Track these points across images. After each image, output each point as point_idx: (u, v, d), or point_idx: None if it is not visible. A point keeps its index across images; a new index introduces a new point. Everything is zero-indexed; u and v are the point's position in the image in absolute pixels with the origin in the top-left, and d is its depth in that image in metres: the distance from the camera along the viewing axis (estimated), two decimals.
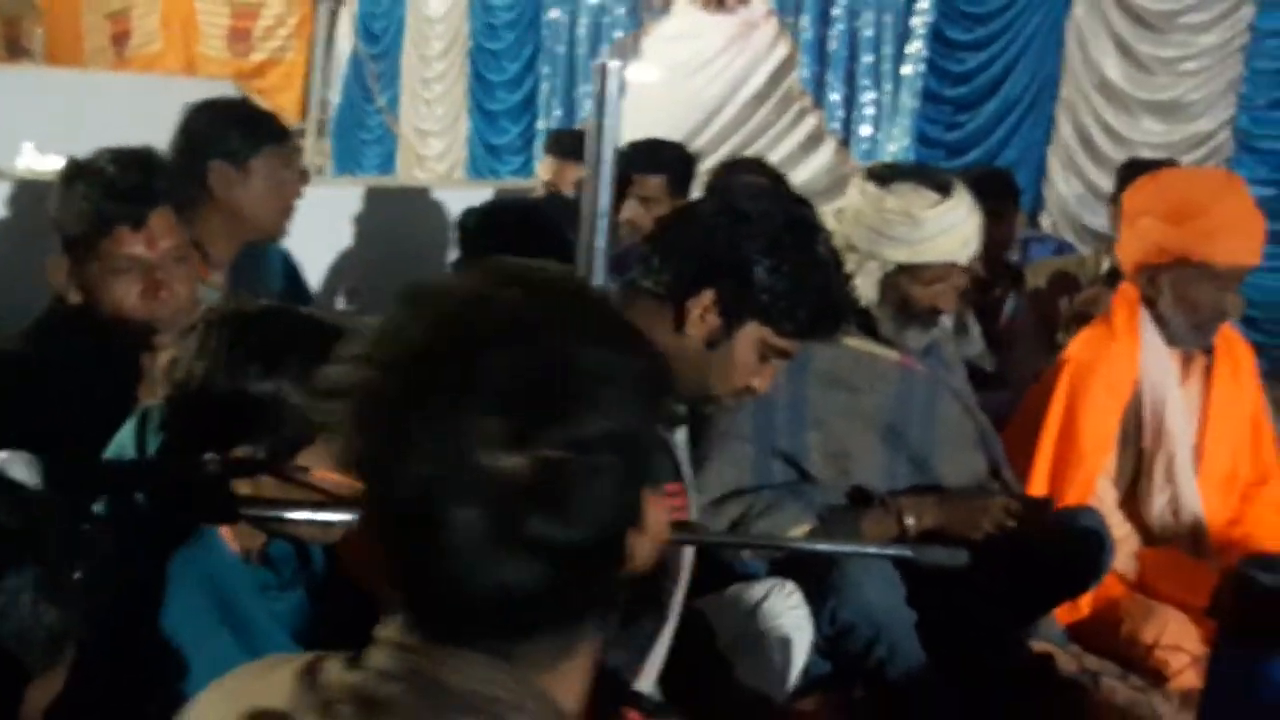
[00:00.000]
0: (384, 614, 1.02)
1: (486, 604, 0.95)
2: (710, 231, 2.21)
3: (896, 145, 6.64)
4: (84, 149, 2.44)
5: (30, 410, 2.11)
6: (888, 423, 3.04)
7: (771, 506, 2.84)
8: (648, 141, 4.76)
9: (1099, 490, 3.51)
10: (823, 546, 2.66)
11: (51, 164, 4.51)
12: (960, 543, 2.41)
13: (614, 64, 1.52)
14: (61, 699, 1.10)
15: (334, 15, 10.46)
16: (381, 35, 10.03)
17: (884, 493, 2.92)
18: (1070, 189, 6.09)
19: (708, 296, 2.19)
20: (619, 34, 8.17)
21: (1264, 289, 4.52)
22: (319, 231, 4.11)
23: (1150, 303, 3.54)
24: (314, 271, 4.11)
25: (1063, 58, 6.15)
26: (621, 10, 8.15)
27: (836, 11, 6.98)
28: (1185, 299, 3.47)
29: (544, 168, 4.38)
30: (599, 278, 1.61)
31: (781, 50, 7.31)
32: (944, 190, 3.00)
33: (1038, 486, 3.45)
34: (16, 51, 11.85)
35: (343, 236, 4.68)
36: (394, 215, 4.82)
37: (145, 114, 3.44)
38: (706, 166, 5.35)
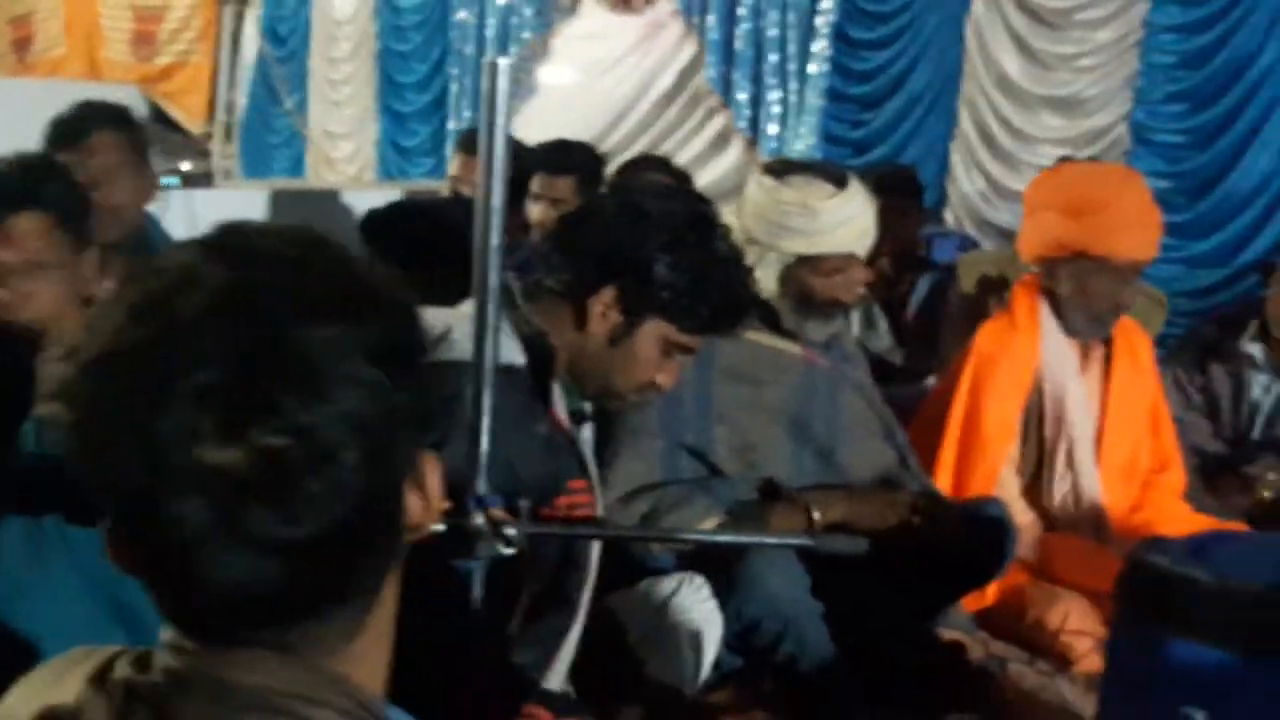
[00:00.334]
0: None
1: (233, 601, 0.89)
2: (611, 229, 2.22)
3: (803, 143, 6.69)
4: None
5: None
6: (792, 415, 3.07)
7: (680, 501, 2.85)
8: (556, 142, 4.76)
9: (1002, 479, 3.57)
10: (724, 538, 2.68)
11: None
12: (867, 536, 2.44)
13: (503, 61, 1.52)
14: None
15: (239, 18, 10.35)
16: (288, 38, 9.93)
17: (791, 487, 2.95)
18: (973, 184, 6.17)
19: (609, 294, 2.20)
20: (528, 35, 8.16)
21: (1162, 278, 4.61)
22: None
23: (1050, 295, 3.60)
24: None
25: (963, 55, 6.23)
26: (530, 11, 8.14)
27: (742, 11, 7.02)
28: (1084, 292, 3.53)
29: (454, 165, 4.36)
30: (493, 275, 1.60)
31: (688, 50, 7.34)
32: (839, 183, 3.04)
33: (943, 476, 3.50)
34: None
35: None
36: (301, 218, 4.77)
37: (49, 119, 3.39)
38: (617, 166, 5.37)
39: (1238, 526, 3.65)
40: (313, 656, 0.93)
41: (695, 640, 2.67)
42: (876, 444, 3.22)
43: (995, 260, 4.85)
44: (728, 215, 3.07)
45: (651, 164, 4.62)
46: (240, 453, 0.85)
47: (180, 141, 10.11)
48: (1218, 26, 5.37)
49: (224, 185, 9.04)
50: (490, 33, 8.31)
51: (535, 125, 7.34)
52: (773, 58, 6.88)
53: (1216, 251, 5.37)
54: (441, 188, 4.47)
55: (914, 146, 6.32)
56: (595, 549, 2.33)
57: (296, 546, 0.88)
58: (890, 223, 4.64)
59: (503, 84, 1.53)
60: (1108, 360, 3.70)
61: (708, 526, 2.80)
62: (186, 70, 10.64)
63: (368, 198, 4.31)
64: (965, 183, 6.19)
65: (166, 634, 0.94)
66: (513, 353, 2.16)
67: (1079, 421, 3.61)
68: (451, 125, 8.54)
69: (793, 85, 6.80)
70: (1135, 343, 3.75)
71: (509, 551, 1.72)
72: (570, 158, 4.61)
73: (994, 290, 4.59)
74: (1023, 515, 3.53)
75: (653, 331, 2.24)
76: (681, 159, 7.23)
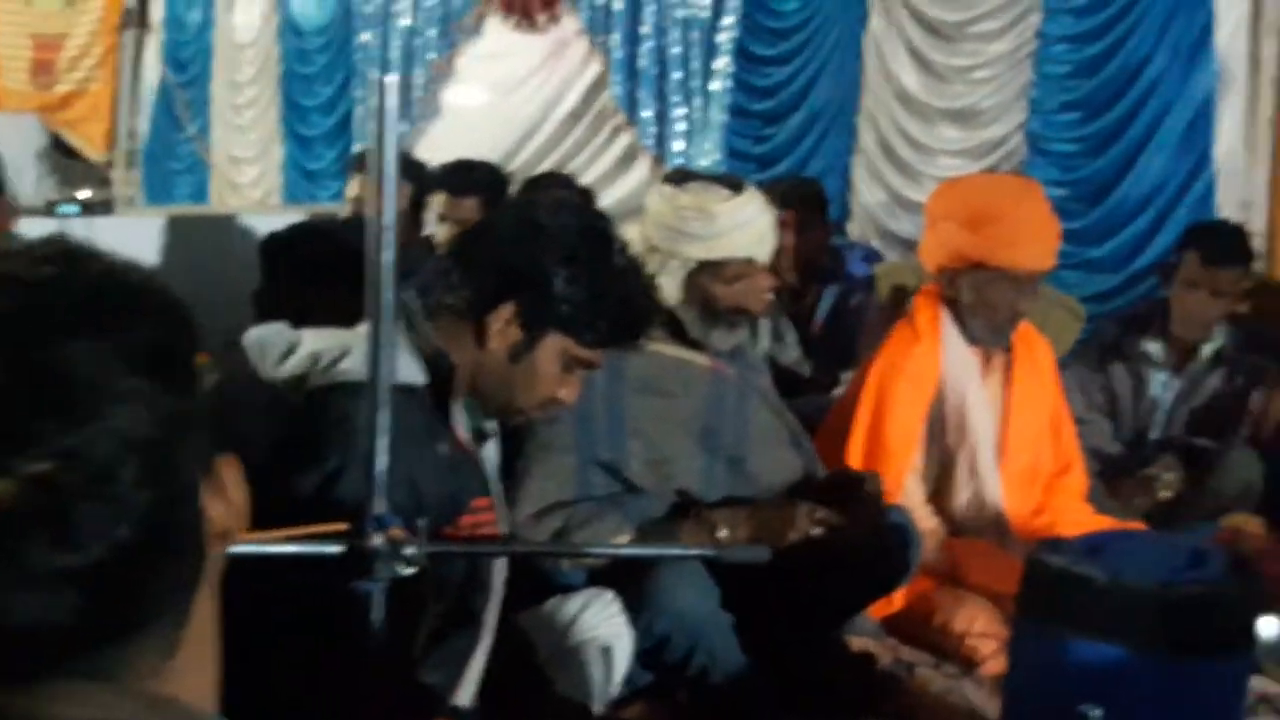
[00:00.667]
0: None
1: (30, 639, 0.85)
2: (507, 245, 2.23)
3: (708, 159, 6.73)
4: None
5: None
6: (702, 426, 3.09)
7: (591, 518, 2.86)
8: (460, 162, 4.76)
9: (907, 486, 3.61)
10: (628, 551, 2.69)
11: None
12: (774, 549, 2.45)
13: (390, 78, 1.52)
14: None
15: (140, 44, 10.23)
16: (189, 63, 9.83)
17: (700, 505, 2.97)
18: (875, 196, 6.23)
19: (508, 309, 2.21)
20: (432, 56, 8.14)
21: (1060, 283, 4.69)
22: None
23: (951, 304, 3.66)
24: None
25: (862, 69, 6.31)
26: (433, 32, 8.13)
27: (645, 29, 7.06)
28: (984, 301, 3.59)
29: (352, 186, 4.33)
30: (387, 293, 1.60)
31: (593, 69, 7.37)
32: (735, 188, 3.07)
33: None
34: None
35: (151, 268, 4.57)
36: (203, 244, 4.73)
37: None
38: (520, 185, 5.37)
39: (1137, 527, 3.73)
40: (131, 680, 0.89)
41: (605, 656, 2.67)
42: (784, 452, 3.24)
43: (913, 270, 4.92)
44: (636, 231, 3.09)
45: (555, 181, 4.63)
46: (7, 485, 0.81)
47: (81, 169, 9.95)
48: (1108, 36, 5.48)
49: (125, 213, 8.92)
50: (394, 54, 8.28)
51: (442, 146, 7.34)
52: (676, 75, 6.92)
53: (1113, 256, 5.47)
54: (344, 210, 4.43)
55: (817, 160, 6.37)
56: (500, 567, 2.32)
57: (83, 574, 0.84)
58: (796, 235, 4.71)
59: (391, 101, 1.53)
60: (1008, 367, 3.75)
61: (618, 543, 2.81)
62: (86, 98, 10.49)
63: (269, 221, 4.27)
64: (867, 195, 6.26)
65: None
66: (413, 372, 2.15)
67: (981, 428, 3.66)
68: (357, 148, 8.49)
69: (697, 102, 6.85)
70: (1035, 350, 3.81)
71: (409, 571, 1.71)
72: (474, 178, 4.61)
73: (904, 298, 4.66)
74: (927, 521, 3.57)
75: (553, 346, 2.24)
76: (588, 177, 7.27)
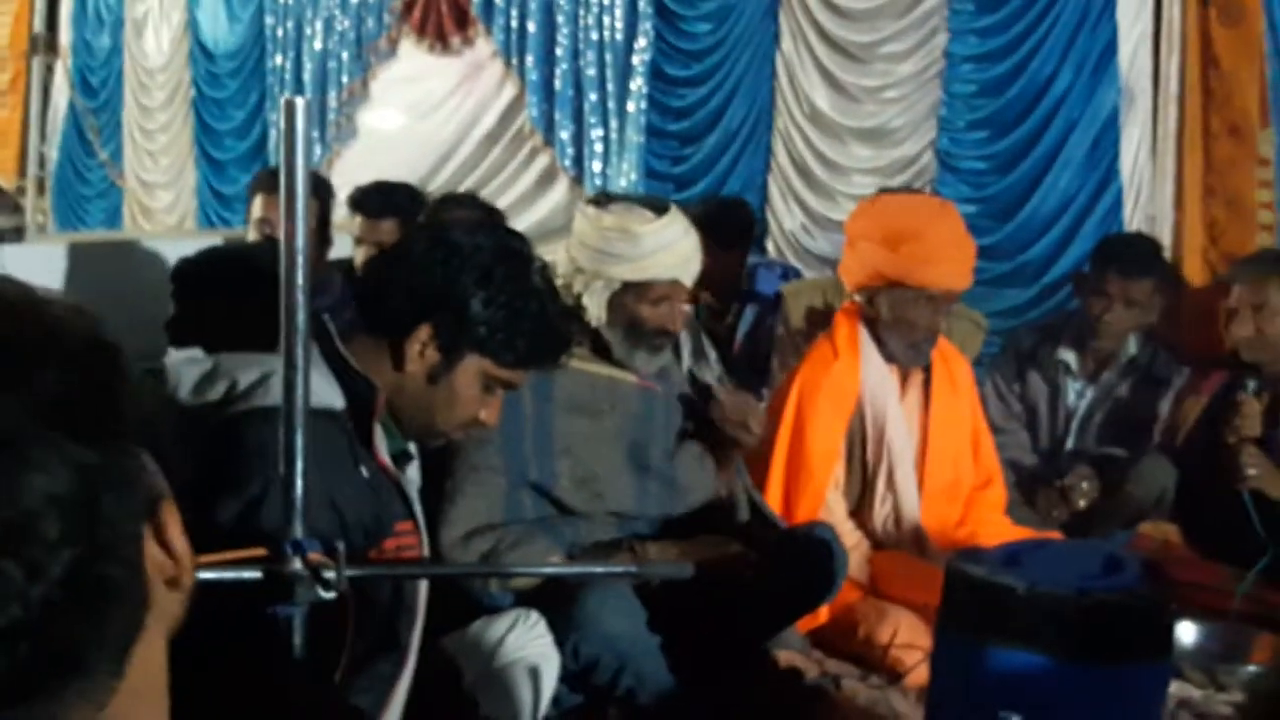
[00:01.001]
0: None
1: None
2: (423, 267, 2.22)
3: (626, 180, 6.74)
4: None
5: None
6: (631, 442, 3.11)
7: (521, 540, 2.86)
8: (377, 185, 4.73)
9: (829, 502, 3.65)
10: (551, 570, 2.69)
11: None
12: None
13: (299, 100, 1.51)
14: None
15: (49, 70, 10.07)
16: (100, 88, 9.70)
17: (633, 539, 2.99)
18: (792, 215, 6.28)
19: (425, 332, 2.20)
20: (346, 79, 8.10)
21: (972, 298, 4.75)
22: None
23: (870, 322, 3.70)
24: None
25: (775, 90, 6.36)
26: (347, 55, 8.09)
27: (560, 51, 7.07)
28: (902, 319, 3.64)
29: (256, 206, 4.27)
30: (301, 315, 1.59)
31: (509, 91, 7.37)
32: (660, 210, 3.09)
33: (772, 499, 3.56)
34: None
35: (62, 294, 4.49)
36: (116, 270, 4.66)
37: None
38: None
39: (1055, 537, 3.79)
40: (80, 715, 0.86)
41: (533, 677, 2.67)
42: (712, 468, 3.26)
43: (820, 287, 4.96)
44: (556, 252, 3.11)
45: (461, 201, 4.61)
46: None
47: None
48: (1014, 55, 5.57)
49: (37, 240, 8.77)
50: (308, 77, 8.23)
51: (358, 168, 7.30)
52: (593, 96, 6.94)
53: (1024, 271, 5.56)
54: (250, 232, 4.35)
55: (734, 180, 6.41)
56: (423, 590, 2.31)
57: (2, 632, 0.80)
58: (715, 254, 4.73)
59: (301, 123, 1.53)
60: (927, 385, 3.80)
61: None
62: None
63: (182, 246, 4.22)
64: (784, 214, 6.30)
65: None
66: (332, 395, 2.14)
67: (899, 445, 3.71)
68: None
69: (613, 123, 6.87)
70: (954, 367, 3.87)
71: (329, 595, 1.70)
72: (392, 199, 4.58)
73: (820, 317, 4.70)
74: (850, 536, 3.61)
75: (471, 368, 2.24)
76: (507, 198, 7.26)
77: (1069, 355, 4.53)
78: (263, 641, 1.74)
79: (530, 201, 7.24)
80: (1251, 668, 3.28)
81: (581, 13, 6.95)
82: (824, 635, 3.50)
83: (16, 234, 6.22)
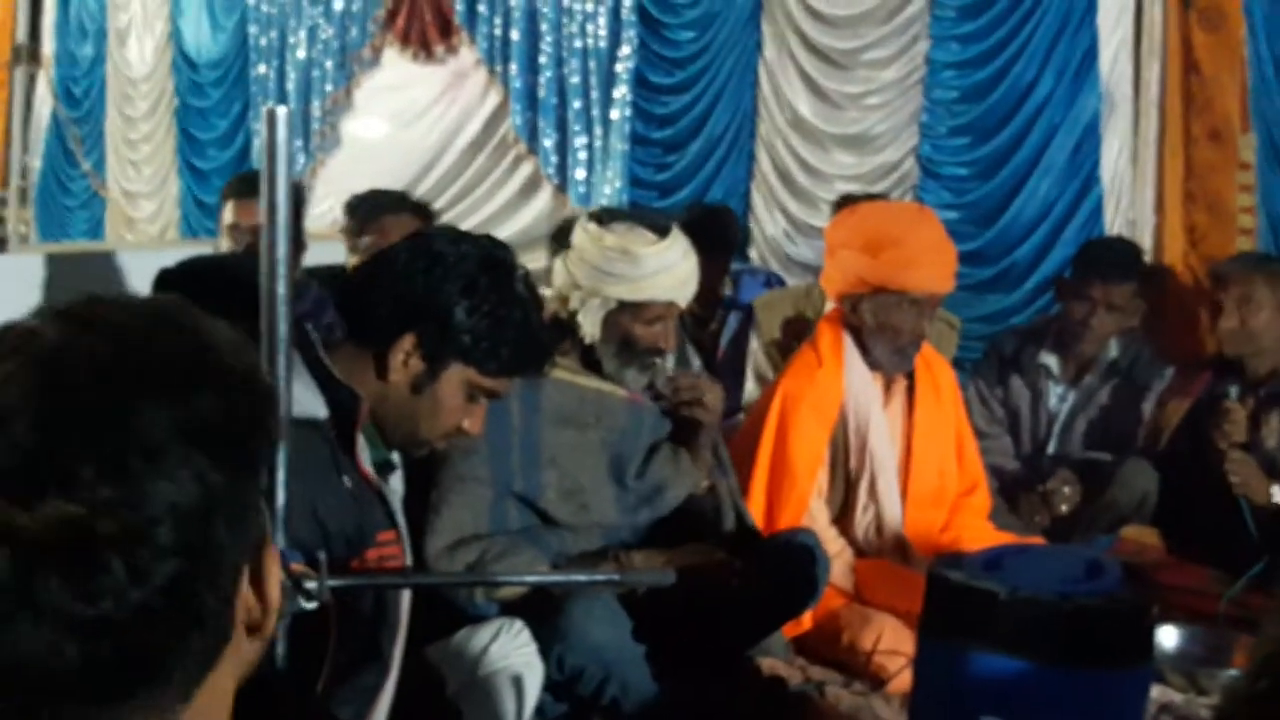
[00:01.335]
0: None
1: (29, 682, 0.85)
2: (407, 276, 2.22)
3: (610, 188, 6.75)
4: None
5: None
6: (616, 455, 3.11)
7: (506, 551, 2.85)
8: (371, 193, 4.71)
9: (812, 509, 3.65)
10: (533, 579, 2.69)
11: None
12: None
13: (280, 109, 1.52)
14: None
15: (31, 80, 10.05)
16: (83, 98, 9.67)
17: (618, 549, 2.99)
18: (775, 222, 6.30)
19: (408, 341, 2.20)
20: (329, 88, 8.10)
21: (954, 304, 4.77)
22: (14, 302, 3.92)
23: (854, 330, 3.71)
24: None
25: (758, 97, 6.38)
26: (330, 64, 8.08)
27: (543, 59, 7.08)
28: (886, 325, 3.65)
29: (227, 213, 4.24)
30: (282, 325, 1.60)
31: (493, 99, 7.37)
32: (661, 232, 3.09)
33: (755, 507, 3.57)
34: None
35: (44, 305, 4.49)
36: (98, 281, 4.66)
37: None
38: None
39: (1037, 542, 3.80)
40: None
41: (516, 685, 2.67)
42: (686, 458, 3.26)
43: (791, 298, 4.98)
44: (539, 260, 3.11)
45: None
46: (35, 520, 0.82)
47: None
48: (995, 62, 5.59)
49: (19, 250, 8.75)
50: (291, 86, 8.22)
51: (343, 177, 7.30)
52: (576, 104, 6.95)
53: (1005, 277, 5.58)
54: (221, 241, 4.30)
55: (717, 187, 6.42)
56: (405, 600, 2.31)
57: (89, 625, 0.84)
58: (701, 264, 4.73)
59: (282, 132, 1.53)
60: (911, 392, 3.81)
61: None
62: None
63: (165, 256, 4.21)
64: (768, 221, 6.32)
65: None
66: (315, 405, 2.14)
67: (882, 452, 3.72)
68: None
69: (597, 131, 6.88)
70: (937, 375, 3.88)
71: (311, 606, 1.70)
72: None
73: (795, 327, 4.71)
74: (833, 543, 3.62)
75: (455, 377, 2.24)
76: (491, 206, 7.27)
77: (1051, 359, 4.55)
78: None
79: (514, 210, 7.25)
80: (1233, 672, 3.29)
81: (565, 21, 6.96)
82: (807, 642, 3.50)
83: None
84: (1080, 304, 4.43)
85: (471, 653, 2.66)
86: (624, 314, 3.06)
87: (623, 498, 3.10)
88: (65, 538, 0.82)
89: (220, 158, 8.73)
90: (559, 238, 3.88)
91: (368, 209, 4.13)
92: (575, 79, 6.93)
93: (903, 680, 3.25)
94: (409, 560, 2.35)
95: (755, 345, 4.86)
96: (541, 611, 2.74)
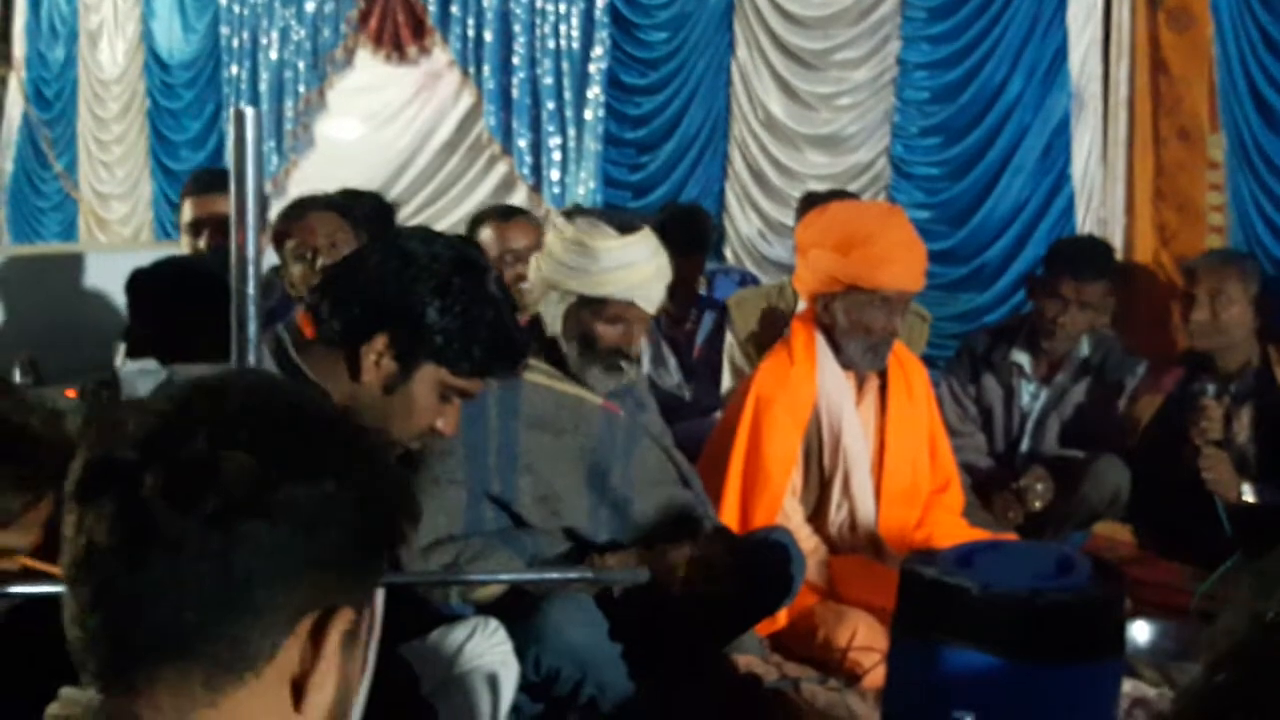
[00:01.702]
0: None
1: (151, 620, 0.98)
2: (378, 276, 2.22)
3: (584, 188, 6.77)
4: None
5: None
6: (591, 464, 3.10)
7: (481, 553, 2.85)
8: (345, 192, 4.72)
9: (786, 508, 3.66)
10: (506, 577, 2.69)
11: None
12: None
13: (249, 110, 1.52)
14: None
15: (3, 82, 10.00)
16: (55, 100, 9.64)
17: (592, 549, 2.99)
18: (749, 222, 6.32)
19: (381, 341, 2.20)
20: (302, 89, 8.08)
21: (927, 303, 4.80)
22: None
23: (826, 329, 3.72)
24: None
25: (731, 97, 6.41)
26: (303, 64, 8.07)
27: (516, 60, 7.09)
28: (858, 324, 3.66)
29: (186, 211, 4.22)
30: (251, 325, 1.60)
31: (467, 100, 7.37)
32: (627, 230, 3.09)
33: (729, 507, 3.58)
34: None
35: (16, 307, 4.48)
36: (70, 282, 4.65)
37: None
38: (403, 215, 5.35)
39: (1011, 538, 3.82)
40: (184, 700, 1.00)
41: (492, 684, 2.66)
42: (671, 491, 3.26)
43: (764, 295, 4.99)
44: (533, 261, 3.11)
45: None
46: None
47: None
48: (966, 62, 5.63)
49: None
50: (264, 87, 8.21)
51: (316, 178, 7.29)
52: (550, 105, 6.96)
53: (978, 275, 5.61)
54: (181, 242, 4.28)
55: (691, 187, 6.45)
56: (379, 601, 2.31)
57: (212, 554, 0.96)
58: (673, 261, 4.74)
59: (251, 132, 1.53)
60: (883, 391, 3.83)
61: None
62: None
63: (137, 258, 4.20)
64: (742, 221, 6.34)
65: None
66: None
67: (855, 451, 3.73)
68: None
69: (571, 131, 6.89)
70: (910, 374, 3.89)
71: None
72: (358, 206, 4.57)
73: (771, 319, 4.73)
74: (808, 541, 3.62)
75: (428, 377, 2.24)
76: (466, 207, 7.27)
77: (1023, 357, 4.57)
78: None
79: None
80: None
81: (538, 22, 6.97)
82: (782, 639, 3.51)
83: None
84: (1052, 302, 4.45)
85: (447, 651, 2.65)
86: (584, 310, 3.05)
87: (597, 507, 3.09)
88: (259, 489, 0.97)
89: (193, 159, 8.71)
90: None
91: (284, 218, 4.09)
92: (549, 80, 6.95)
93: (877, 676, 3.26)
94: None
95: (731, 341, 4.87)
96: (517, 612, 2.74)
